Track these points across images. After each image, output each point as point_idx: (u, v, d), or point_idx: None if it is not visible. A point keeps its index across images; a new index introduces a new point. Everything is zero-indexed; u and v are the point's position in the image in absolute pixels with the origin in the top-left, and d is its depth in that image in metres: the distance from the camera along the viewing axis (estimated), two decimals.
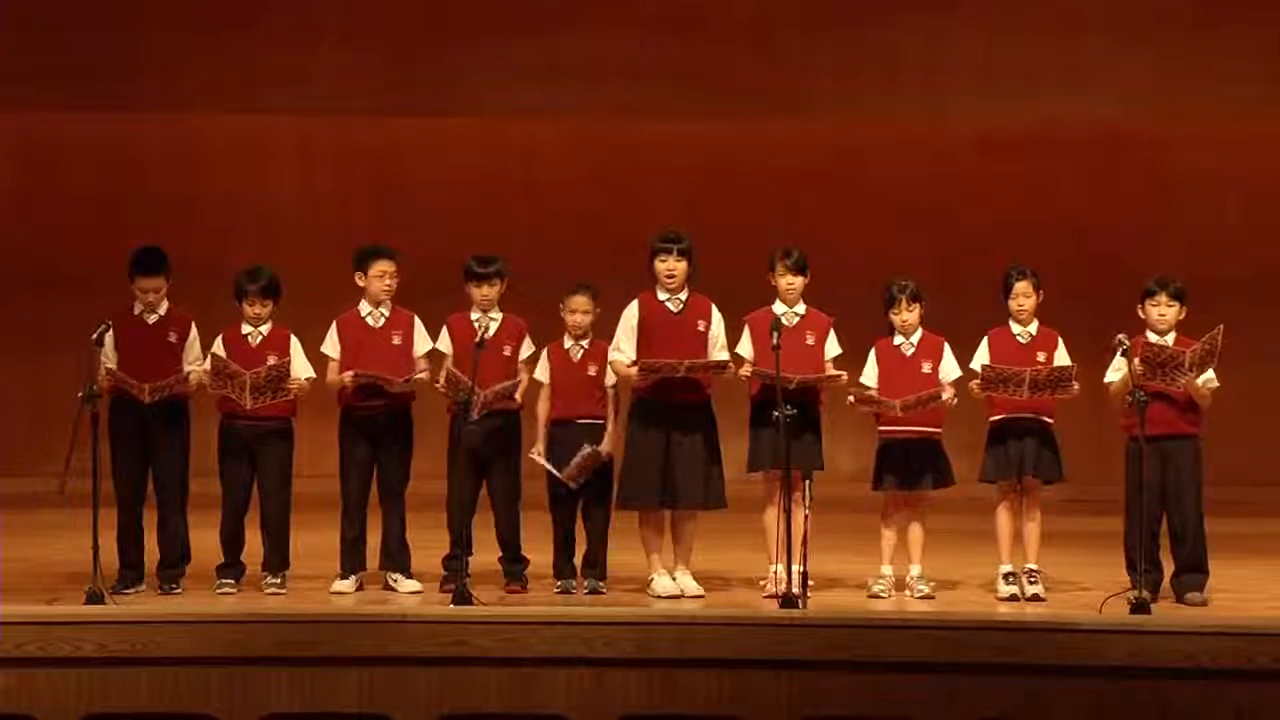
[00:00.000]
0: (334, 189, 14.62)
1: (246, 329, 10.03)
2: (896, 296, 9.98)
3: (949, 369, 9.95)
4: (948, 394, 9.90)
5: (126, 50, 14.23)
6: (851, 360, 10.04)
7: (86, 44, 14.10)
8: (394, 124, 14.61)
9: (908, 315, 9.98)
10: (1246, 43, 13.87)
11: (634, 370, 9.78)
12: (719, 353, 9.88)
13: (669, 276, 9.83)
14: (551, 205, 14.18)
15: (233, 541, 10.04)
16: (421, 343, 10.10)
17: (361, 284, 10.10)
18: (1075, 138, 14.15)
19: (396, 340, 10.06)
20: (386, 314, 10.10)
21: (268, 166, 14.81)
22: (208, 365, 9.87)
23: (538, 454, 9.98)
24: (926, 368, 9.93)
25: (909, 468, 9.95)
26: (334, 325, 10.09)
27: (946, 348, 9.98)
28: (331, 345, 10.06)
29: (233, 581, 10.00)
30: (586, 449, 9.87)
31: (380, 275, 10.05)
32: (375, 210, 13.85)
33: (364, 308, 10.11)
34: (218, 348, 9.92)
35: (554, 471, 9.89)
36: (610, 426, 10.00)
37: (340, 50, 14.43)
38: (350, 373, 9.94)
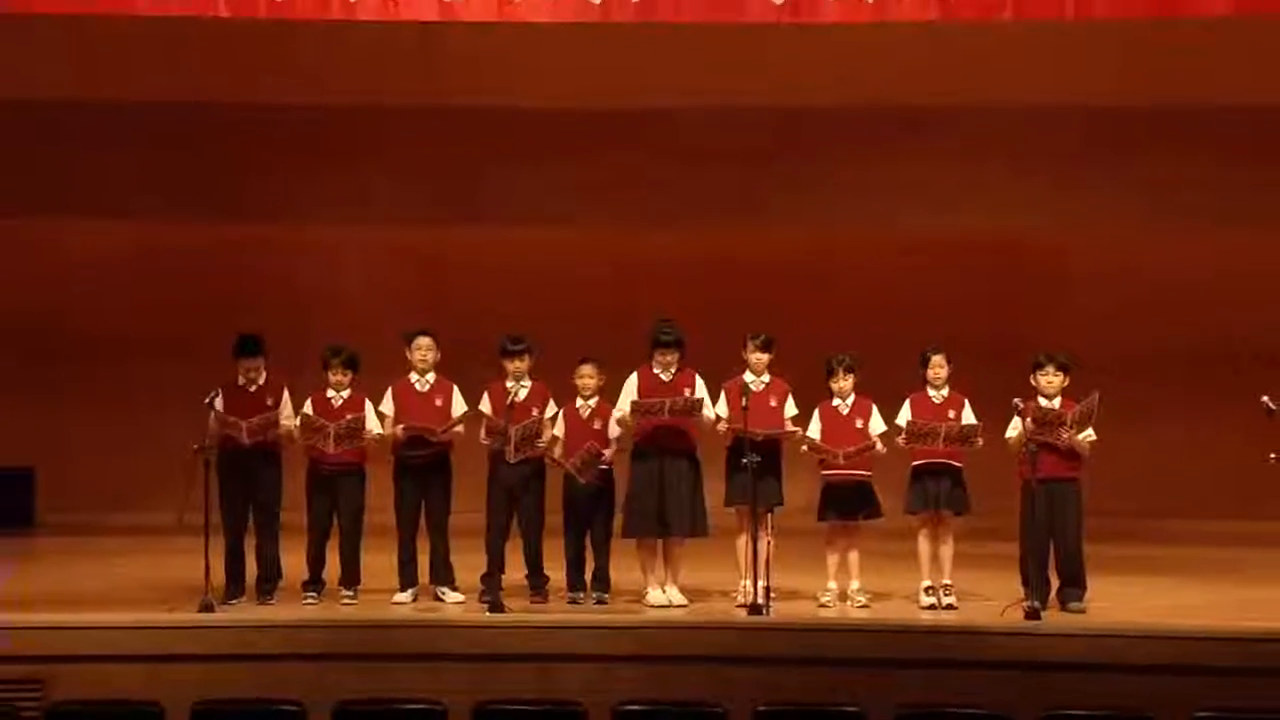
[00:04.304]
0: (393, 285, 14.59)
1: (330, 393, 10.12)
2: (835, 367, 10.09)
3: (876, 424, 10.02)
4: (879, 446, 9.99)
5: (231, 173, 14.34)
6: (803, 418, 10.10)
7: (200, 170, 14.23)
8: (441, 232, 14.60)
9: (843, 383, 10.07)
10: (1124, 164, 13.92)
11: (629, 413, 9.85)
12: (704, 409, 9.91)
13: (666, 363, 9.97)
14: (569, 297, 14.15)
15: (316, 562, 10.10)
16: (458, 405, 10.17)
17: (408, 356, 10.23)
18: (985, 241, 14.12)
19: (438, 403, 10.16)
20: (431, 382, 10.20)
21: (340, 265, 14.78)
22: (298, 422, 9.97)
23: (559, 458, 10.00)
24: (859, 423, 10.01)
25: (847, 503, 10.00)
26: (389, 390, 10.20)
27: (874, 408, 10.05)
28: (388, 405, 10.15)
29: (315, 594, 10.05)
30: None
31: (419, 349, 10.17)
32: (426, 302, 13.84)
33: (413, 376, 10.20)
34: (308, 408, 10.02)
35: (567, 467, 9.91)
36: (611, 449, 10.05)
37: (398, 172, 14.46)
38: (401, 426, 10.06)
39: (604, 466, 10.04)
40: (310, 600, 10.04)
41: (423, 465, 10.15)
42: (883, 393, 10.14)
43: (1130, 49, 12.71)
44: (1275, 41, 12.31)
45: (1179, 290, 14.05)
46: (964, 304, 13.86)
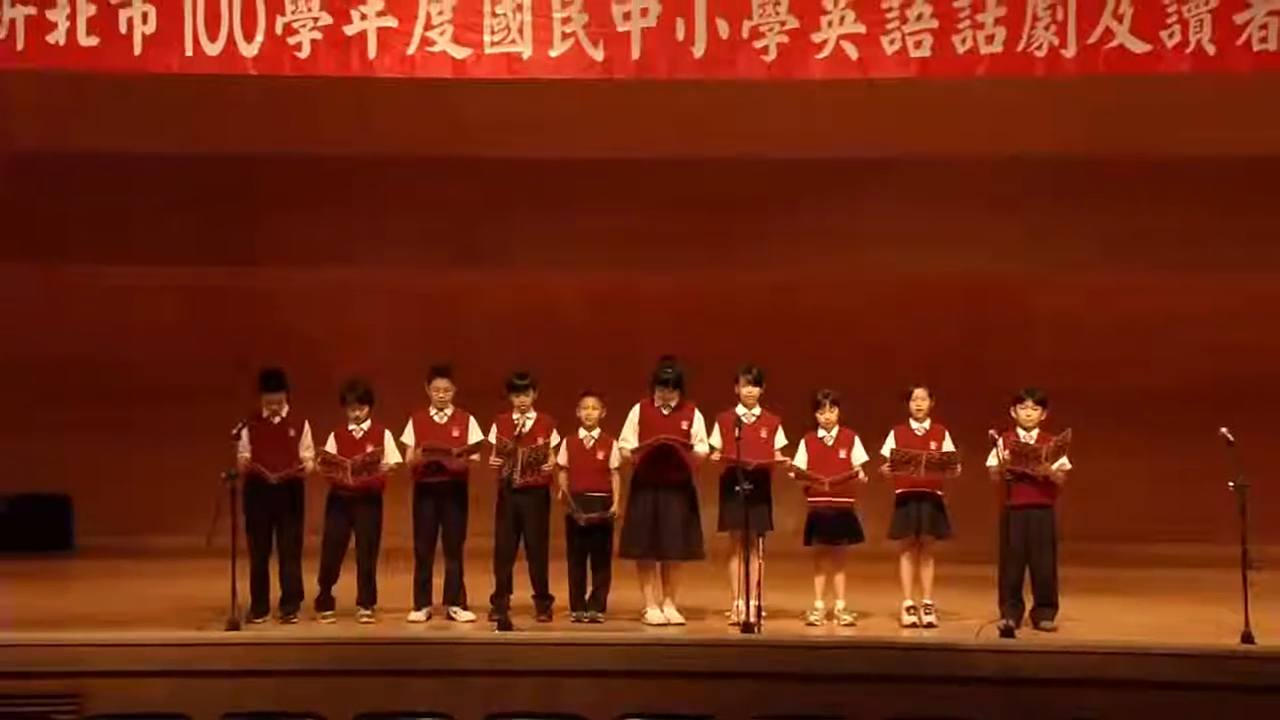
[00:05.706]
0: (406, 323, 14.59)
1: (352, 426, 10.17)
2: (821, 401, 10.10)
3: (858, 454, 10.03)
4: (862, 475, 10.02)
5: (250, 221, 14.41)
6: (792, 449, 10.10)
7: (223, 218, 14.31)
8: (450, 274, 14.64)
9: (829, 415, 10.09)
10: (1090, 212, 13.98)
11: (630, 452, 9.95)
12: (698, 444, 9.99)
13: (667, 398, 9.98)
14: (570, 334, 14.15)
15: (327, 579, 10.06)
16: (474, 434, 10.20)
17: (428, 393, 10.28)
18: (959, 283, 14.10)
19: (455, 433, 10.19)
20: (449, 413, 10.25)
21: (355, 305, 14.75)
22: (319, 459, 9.99)
23: (566, 500, 10.03)
24: (842, 454, 10.01)
25: (830, 529, 10.01)
26: (410, 420, 10.24)
27: (856, 439, 10.06)
28: (409, 435, 10.20)
29: (333, 613, 10.02)
30: (609, 508, 9.99)
31: (437, 390, 10.23)
32: (438, 339, 13.79)
33: (432, 410, 10.26)
34: (330, 444, 10.05)
35: (573, 510, 9.96)
36: (615, 496, 10.09)
37: (409, 218, 14.47)
38: (421, 447, 10.09)
39: (604, 494, 10.06)
40: (329, 619, 10.02)
41: (440, 490, 10.15)
42: (863, 426, 10.12)
43: (1096, 102, 12.80)
44: (1234, 97, 12.41)
45: (1141, 331, 14.04)
46: (937, 343, 13.81)
